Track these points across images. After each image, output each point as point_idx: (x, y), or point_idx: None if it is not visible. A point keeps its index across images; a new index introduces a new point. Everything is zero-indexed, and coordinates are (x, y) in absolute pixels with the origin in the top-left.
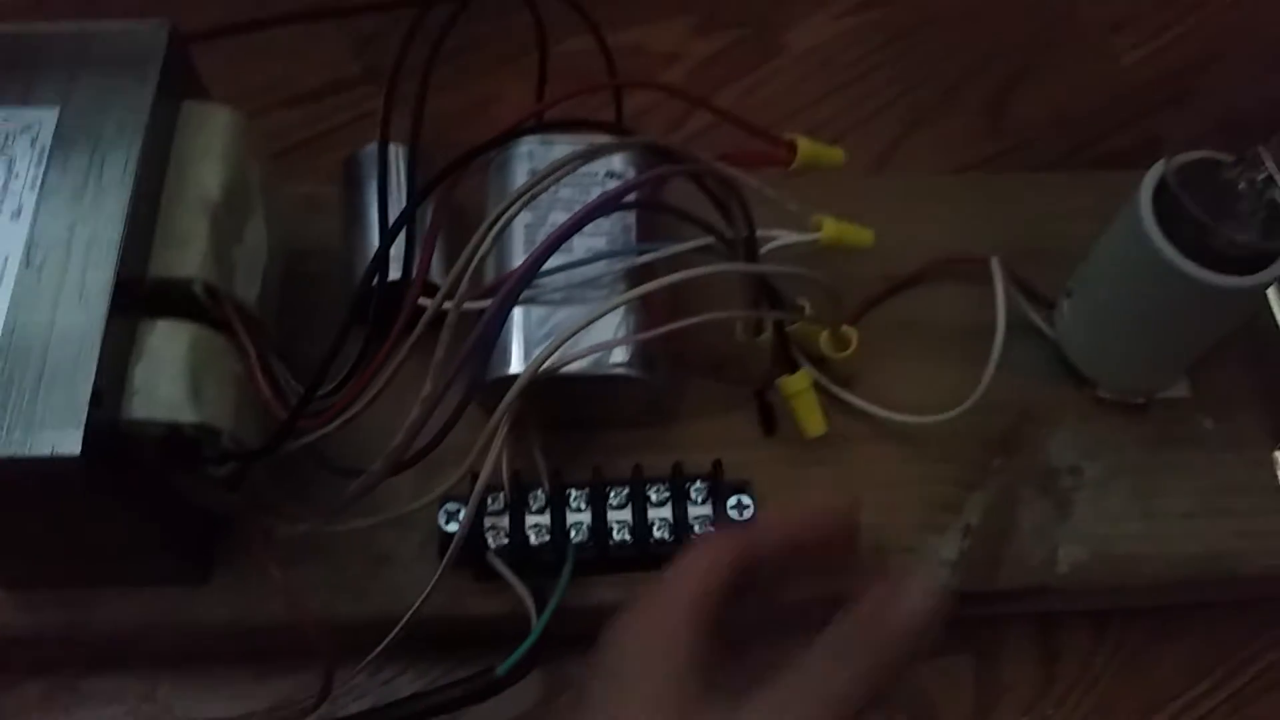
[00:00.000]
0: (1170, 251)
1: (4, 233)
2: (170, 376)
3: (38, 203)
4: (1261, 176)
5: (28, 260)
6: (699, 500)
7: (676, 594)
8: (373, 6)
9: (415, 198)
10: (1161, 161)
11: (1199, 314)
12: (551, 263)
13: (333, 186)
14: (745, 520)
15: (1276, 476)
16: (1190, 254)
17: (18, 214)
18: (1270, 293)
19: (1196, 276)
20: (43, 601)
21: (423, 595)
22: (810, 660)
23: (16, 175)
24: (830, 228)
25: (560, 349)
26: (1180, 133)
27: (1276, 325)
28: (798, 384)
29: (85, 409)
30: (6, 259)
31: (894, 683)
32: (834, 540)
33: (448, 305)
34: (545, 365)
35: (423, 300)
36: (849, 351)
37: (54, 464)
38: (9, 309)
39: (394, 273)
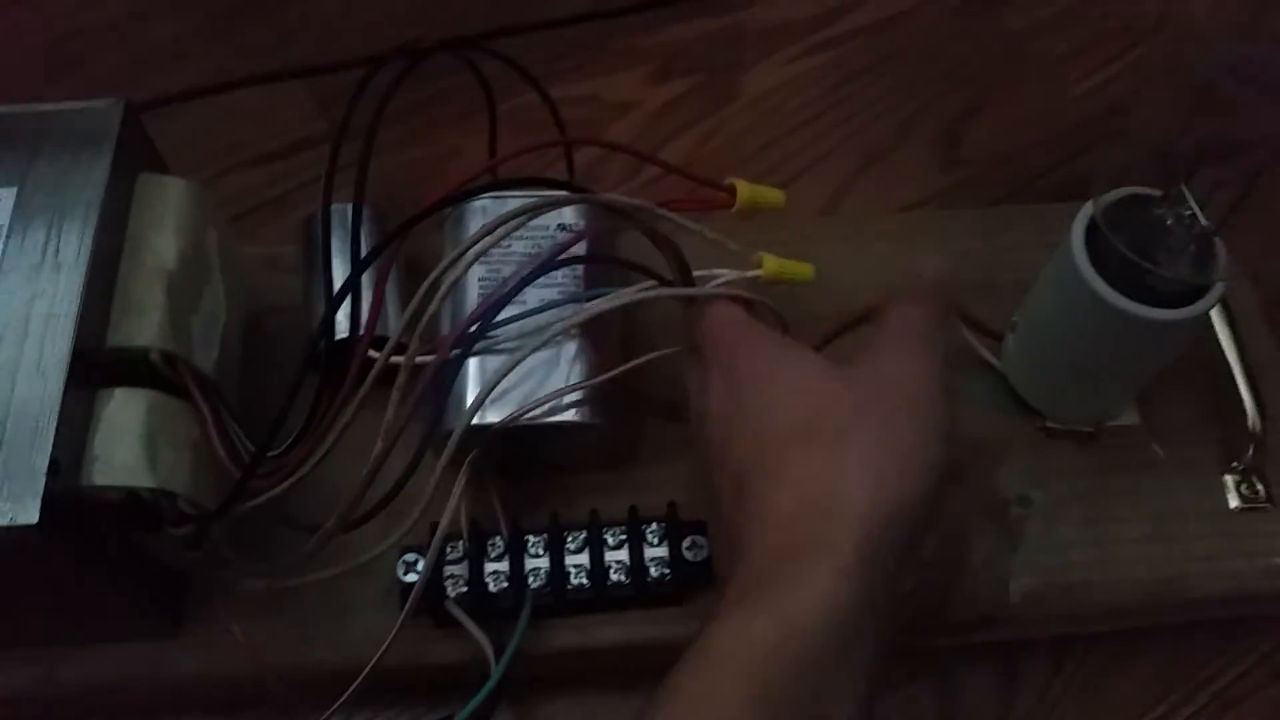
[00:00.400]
0: (1104, 288)
1: None
2: (127, 444)
3: None
4: (1187, 213)
5: None
6: (655, 542)
7: (740, 315)
8: (332, 67)
9: (361, 259)
10: (1090, 201)
11: (1137, 346)
12: (505, 314)
13: (295, 245)
14: (701, 560)
15: (1226, 500)
16: (1124, 288)
17: None
18: (1215, 319)
19: (1131, 311)
20: (14, 661)
21: (384, 645)
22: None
23: None
24: (770, 264)
25: (508, 398)
26: (1124, 163)
27: (1223, 352)
28: None
29: (42, 479)
30: None
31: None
32: None
33: (396, 360)
34: (493, 417)
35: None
36: None
37: (13, 533)
38: None
39: (343, 331)
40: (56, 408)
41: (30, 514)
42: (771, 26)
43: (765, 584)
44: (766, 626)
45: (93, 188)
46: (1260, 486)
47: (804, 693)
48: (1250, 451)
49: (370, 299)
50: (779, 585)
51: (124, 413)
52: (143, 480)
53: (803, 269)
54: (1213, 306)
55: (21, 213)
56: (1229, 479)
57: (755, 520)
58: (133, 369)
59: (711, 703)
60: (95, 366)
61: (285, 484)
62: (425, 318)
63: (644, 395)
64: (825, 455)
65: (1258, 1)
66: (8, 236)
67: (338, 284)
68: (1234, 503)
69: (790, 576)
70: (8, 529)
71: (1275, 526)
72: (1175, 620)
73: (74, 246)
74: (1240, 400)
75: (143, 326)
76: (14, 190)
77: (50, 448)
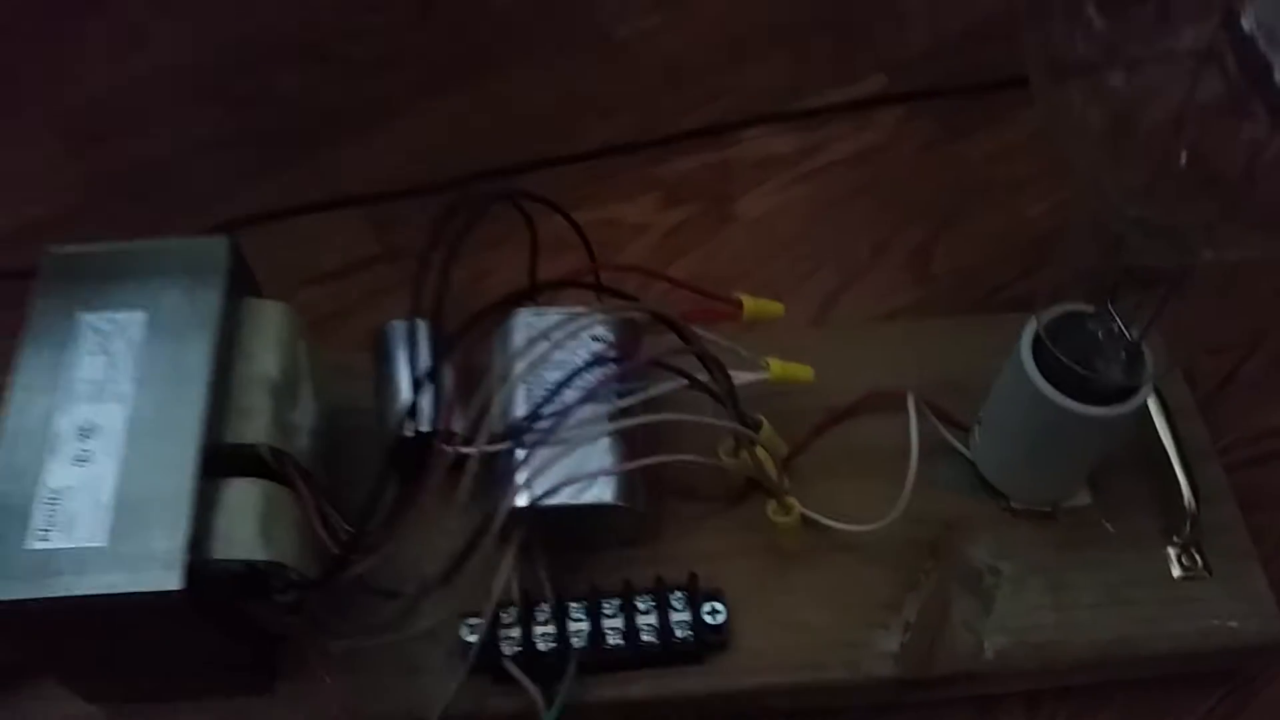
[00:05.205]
0: (1049, 390)
1: (111, 414)
2: (246, 523)
3: (135, 390)
4: (1115, 327)
5: (130, 436)
6: (679, 608)
7: None
8: (383, 196)
9: (435, 367)
10: (1034, 317)
11: (1082, 439)
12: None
13: (360, 354)
14: (719, 624)
15: (1169, 570)
16: (1067, 390)
17: (120, 399)
18: (1154, 413)
19: (1073, 410)
20: (129, 714)
21: (450, 694)
22: None
23: (116, 367)
24: (776, 367)
25: (552, 483)
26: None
27: (1161, 441)
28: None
29: (183, 553)
30: (114, 436)
31: None
32: None
33: (465, 450)
34: (539, 499)
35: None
36: (791, 517)
37: (157, 598)
38: (119, 477)
39: (412, 428)
40: (191, 494)
41: (173, 582)
42: (760, 160)
43: None
44: None
45: (209, 311)
46: (1198, 558)
47: None
48: (1188, 528)
49: (446, 398)
50: None
51: (241, 498)
52: (259, 554)
53: (804, 371)
54: (1142, 404)
55: (152, 333)
56: (1170, 551)
57: None
58: (246, 461)
59: None
60: (217, 460)
61: (376, 557)
62: (490, 415)
63: (668, 480)
64: None
65: (1154, 168)
66: (141, 353)
67: (408, 387)
68: (1176, 572)
69: None
70: (154, 594)
71: (1212, 593)
72: (1131, 675)
73: (197, 360)
74: (1178, 483)
75: (253, 426)
76: (144, 314)
77: (187, 527)
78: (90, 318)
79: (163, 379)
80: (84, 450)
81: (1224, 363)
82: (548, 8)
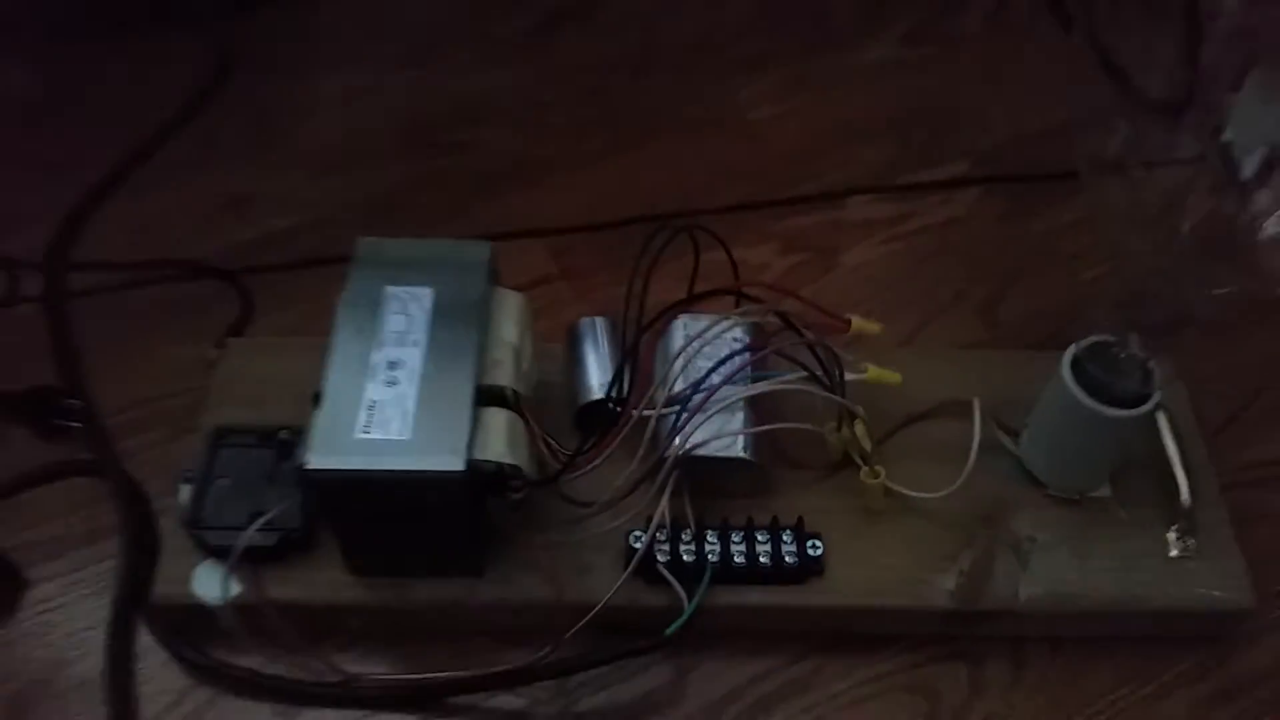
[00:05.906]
0: (1083, 396)
1: (411, 355)
2: (499, 437)
3: (427, 340)
4: (1131, 352)
5: (425, 371)
6: (788, 541)
7: None
8: (564, 229)
9: (631, 350)
10: (1074, 345)
11: (1106, 436)
12: (701, 387)
13: (545, 345)
14: (818, 556)
15: (1168, 550)
16: (1097, 398)
17: (417, 344)
18: (1163, 429)
19: (1100, 411)
20: (377, 585)
21: (615, 587)
22: None
23: (413, 323)
24: (872, 370)
25: (702, 439)
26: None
27: (1167, 452)
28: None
29: (464, 449)
30: (414, 369)
31: None
32: None
33: (647, 413)
34: (690, 450)
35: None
36: (878, 480)
37: (444, 475)
38: (418, 396)
39: (599, 394)
40: (469, 414)
41: (459, 464)
42: (861, 222)
43: None
44: None
45: (476, 292)
46: (1191, 542)
47: None
48: (1184, 519)
49: (638, 374)
50: None
51: (495, 420)
52: (507, 459)
53: (894, 376)
54: (1153, 407)
55: (438, 302)
56: (1170, 535)
57: None
58: (495, 397)
59: None
60: (480, 394)
61: (585, 470)
62: (666, 390)
63: (785, 448)
64: None
65: (1165, 235)
66: (431, 314)
67: (595, 368)
68: (1173, 552)
69: None
70: (442, 473)
71: (1200, 569)
72: (1133, 630)
73: (469, 324)
74: (1178, 485)
75: (502, 374)
76: (430, 289)
77: (468, 432)
78: (393, 289)
79: (446, 334)
80: (392, 377)
81: (1227, 408)
82: (696, 93)
